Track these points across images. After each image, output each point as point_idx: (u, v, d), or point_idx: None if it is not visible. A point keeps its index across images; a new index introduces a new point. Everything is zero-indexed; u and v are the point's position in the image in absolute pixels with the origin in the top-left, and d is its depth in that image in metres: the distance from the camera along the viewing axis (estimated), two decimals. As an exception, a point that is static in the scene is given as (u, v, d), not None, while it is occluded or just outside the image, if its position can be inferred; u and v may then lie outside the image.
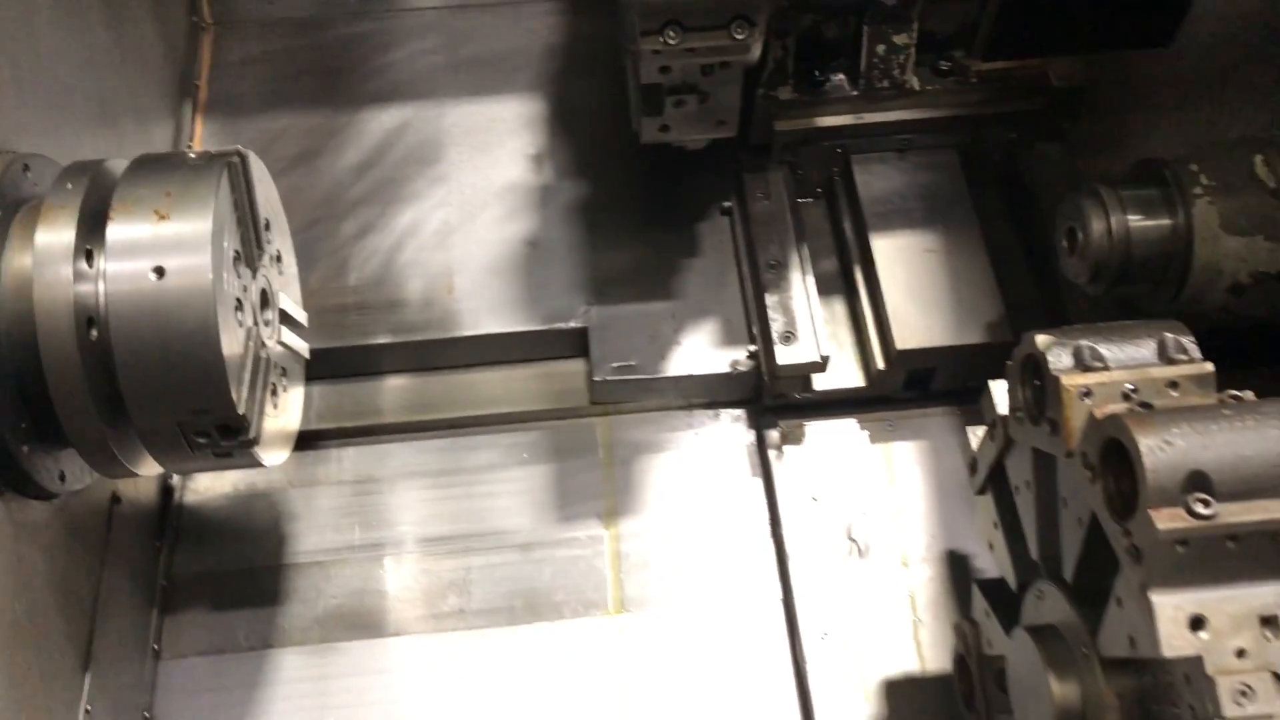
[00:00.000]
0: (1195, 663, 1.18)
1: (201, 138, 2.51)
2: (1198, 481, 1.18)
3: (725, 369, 2.21)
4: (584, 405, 2.27)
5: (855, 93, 2.23)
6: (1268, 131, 1.90)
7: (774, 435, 2.20)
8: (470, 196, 2.43)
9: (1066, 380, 1.34)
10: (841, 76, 2.23)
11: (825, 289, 2.25)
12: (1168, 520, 1.17)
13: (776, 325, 2.12)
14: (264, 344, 1.65)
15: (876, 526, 2.11)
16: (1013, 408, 1.51)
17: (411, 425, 2.25)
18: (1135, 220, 1.84)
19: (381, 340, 2.27)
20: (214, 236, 1.48)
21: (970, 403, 1.72)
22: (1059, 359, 1.38)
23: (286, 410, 1.77)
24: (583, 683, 2.01)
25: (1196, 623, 1.19)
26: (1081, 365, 1.36)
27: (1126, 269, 1.87)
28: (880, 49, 2.16)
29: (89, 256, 1.49)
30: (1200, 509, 1.17)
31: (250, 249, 1.65)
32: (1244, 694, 1.15)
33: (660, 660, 2.03)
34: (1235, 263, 1.79)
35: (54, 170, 1.60)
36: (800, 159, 2.31)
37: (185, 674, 2.01)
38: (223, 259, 1.50)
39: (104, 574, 1.86)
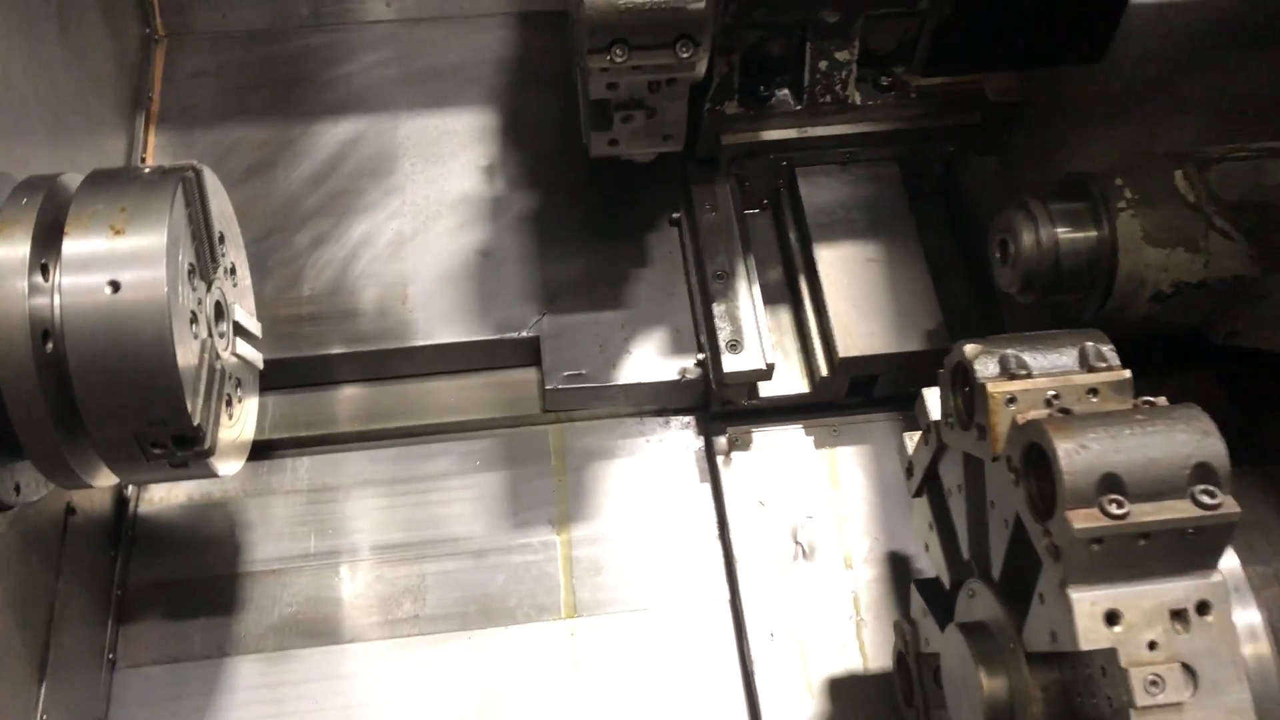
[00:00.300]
0: (1110, 655, 1.24)
1: (155, 150, 2.51)
2: (1111, 483, 1.24)
3: (674, 377, 2.25)
4: (536, 413, 2.30)
5: (799, 107, 2.27)
6: (1194, 146, 1.96)
7: (722, 441, 2.24)
8: (424, 207, 2.45)
9: (992, 387, 1.39)
10: (786, 92, 2.28)
11: (771, 298, 2.29)
12: (1083, 520, 1.23)
13: (723, 334, 2.15)
14: (219, 355, 1.68)
15: (821, 529, 2.16)
16: (945, 414, 1.55)
17: (366, 434, 2.27)
18: (1063, 232, 1.90)
19: (336, 350, 2.28)
20: (169, 250, 1.50)
21: (911, 408, 1.77)
22: (986, 367, 1.42)
23: (241, 420, 1.80)
24: (536, 686, 2.04)
25: (1111, 617, 1.25)
26: (1007, 373, 1.41)
27: (1056, 279, 1.93)
28: (823, 65, 2.22)
29: (44, 270, 1.51)
30: (1114, 509, 1.23)
31: (205, 262, 1.67)
32: (1154, 684, 1.22)
33: (612, 662, 2.07)
34: (1157, 273, 1.85)
35: (8, 184, 1.61)
36: (747, 171, 2.35)
37: (141, 683, 2.02)
38: (178, 272, 1.53)
39: (59, 584, 1.87)
